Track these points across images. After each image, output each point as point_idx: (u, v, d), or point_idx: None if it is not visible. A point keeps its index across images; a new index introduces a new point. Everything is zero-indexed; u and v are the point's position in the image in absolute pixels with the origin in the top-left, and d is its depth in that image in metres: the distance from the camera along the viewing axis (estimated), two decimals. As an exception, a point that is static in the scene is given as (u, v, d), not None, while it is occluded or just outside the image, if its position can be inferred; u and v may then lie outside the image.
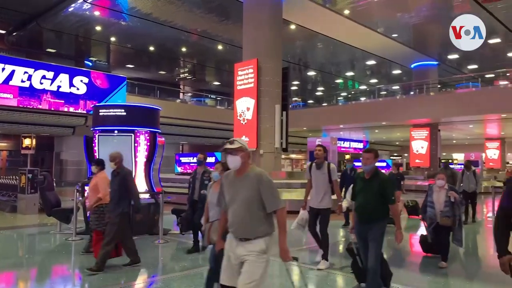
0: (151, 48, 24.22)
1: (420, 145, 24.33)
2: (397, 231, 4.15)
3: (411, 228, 9.66)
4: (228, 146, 3.02)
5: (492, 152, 31.82)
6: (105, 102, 17.83)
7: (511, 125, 23.58)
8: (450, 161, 34.22)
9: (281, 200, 2.99)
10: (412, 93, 25.67)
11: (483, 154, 30.06)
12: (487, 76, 23.80)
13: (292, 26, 19.69)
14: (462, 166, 11.26)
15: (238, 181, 3.03)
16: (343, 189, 7.51)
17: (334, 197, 5.72)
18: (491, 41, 20.70)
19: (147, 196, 8.58)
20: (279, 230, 2.97)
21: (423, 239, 6.49)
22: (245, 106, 15.61)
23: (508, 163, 32.72)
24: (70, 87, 18.04)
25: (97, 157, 8.58)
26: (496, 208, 11.26)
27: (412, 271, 5.80)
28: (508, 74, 23.23)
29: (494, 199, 12.28)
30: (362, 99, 28.71)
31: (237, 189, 3.01)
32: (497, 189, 12.75)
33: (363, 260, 4.32)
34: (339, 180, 6.36)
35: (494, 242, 2.63)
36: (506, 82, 22.19)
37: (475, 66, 26.40)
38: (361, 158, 4.39)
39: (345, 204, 5.64)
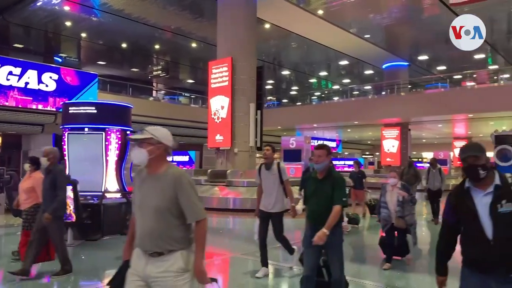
0: (124, 45, 23.78)
1: (391, 144, 24.85)
2: (322, 229, 3.56)
3: (375, 227, 9.80)
4: (133, 136, 2.46)
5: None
6: (75, 100, 17.40)
7: (477, 125, 24.39)
8: (420, 159, 35.12)
9: (203, 209, 2.44)
10: (383, 93, 26.18)
11: (451, 153, 30.95)
12: (455, 77, 24.53)
13: (267, 25, 19.74)
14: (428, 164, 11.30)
15: (150, 181, 2.42)
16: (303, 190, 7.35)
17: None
18: (459, 43, 21.28)
19: (118, 195, 8.45)
20: (197, 246, 2.40)
21: (382, 241, 6.30)
22: (219, 105, 15.55)
23: (474, 161, 33.79)
24: (38, 84, 17.49)
25: (67, 156, 8.40)
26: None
27: (380, 268, 5.89)
28: (475, 76, 24.03)
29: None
30: (335, 98, 29.07)
31: (148, 191, 2.40)
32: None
33: (304, 269, 3.83)
34: (290, 179, 6.06)
35: (436, 257, 2.54)
36: (473, 83, 22.94)
37: (444, 67, 27.16)
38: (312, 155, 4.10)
39: (299, 206, 5.31)
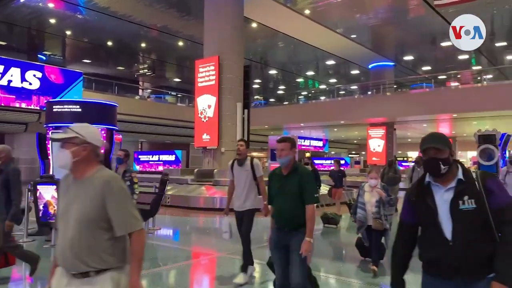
0: (109, 43, 23.55)
1: (376, 143, 25.05)
2: (305, 239, 3.26)
3: (355, 227, 9.77)
4: (55, 134, 2.13)
5: (444, 151, 33.27)
6: (60, 98, 17.16)
7: (461, 124, 24.74)
8: (405, 159, 35.48)
9: (138, 219, 2.06)
10: (369, 93, 26.38)
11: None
12: (439, 77, 24.87)
13: (254, 25, 19.73)
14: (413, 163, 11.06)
15: (76, 187, 2.07)
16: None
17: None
18: (443, 44, 21.65)
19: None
20: (132, 260, 2.04)
21: (359, 242, 6.02)
22: (206, 104, 15.48)
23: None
24: (22, 82, 17.22)
25: (51, 155, 8.29)
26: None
27: (366, 267, 5.93)
28: (459, 76, 24.39)
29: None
30: (322, 98, 29.22)
31: (72, 199, 2.05)
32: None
33: (277, 277, 3.54)
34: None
35: (391, 266, 2.24)
36: (457, 84, 23.28)
37: (429, 68, 27.51)
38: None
39: None
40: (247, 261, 5.07)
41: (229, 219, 5.19)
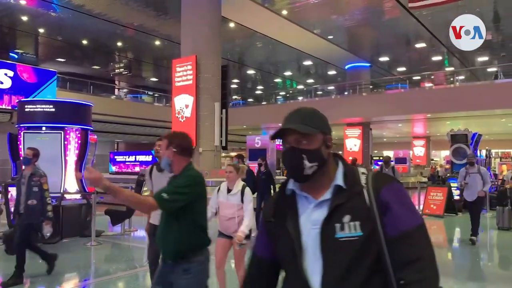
0: (84, 42, 23.09)
1: (353, 143, 25.37)
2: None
3: None
4: None
5: (418, 150, 33.95)
6: (33, 98, 16.74)
7: (435, 124, 25.31)
8: (381, 158, 36.06)
9: None
10: (346, 93, 26.70)
11: (411, 152, 31.98)
12: (414, 78, 25.40)
13: (231, 24, 19.70)
14: (381, 162, 10.72)
15: None
16: None
17: None
18: (417, 45, 22.12)
19: (78, 196, 8.20)
20: None
21: None
22: (183, 103, 15.39)
23: (432, 159, 35.10)
24: (-8, 81, 16.71)
25: (22, 156, 8.09)
26: (420, 202, 12.03)
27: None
28: (432, 77, 24.95)
29: (419, 194, 13.07)
30: (300, 98, 29.40)
31: None
32: (422, 184, 13.68)
33: None
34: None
35: None
36: (430, 84, 23.81)
37: (404, 69, 28.04)
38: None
39: None
40: None
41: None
